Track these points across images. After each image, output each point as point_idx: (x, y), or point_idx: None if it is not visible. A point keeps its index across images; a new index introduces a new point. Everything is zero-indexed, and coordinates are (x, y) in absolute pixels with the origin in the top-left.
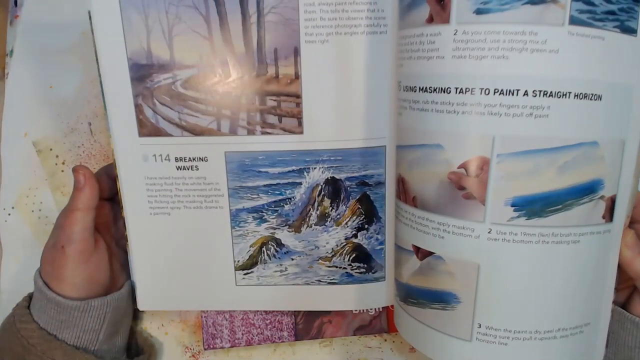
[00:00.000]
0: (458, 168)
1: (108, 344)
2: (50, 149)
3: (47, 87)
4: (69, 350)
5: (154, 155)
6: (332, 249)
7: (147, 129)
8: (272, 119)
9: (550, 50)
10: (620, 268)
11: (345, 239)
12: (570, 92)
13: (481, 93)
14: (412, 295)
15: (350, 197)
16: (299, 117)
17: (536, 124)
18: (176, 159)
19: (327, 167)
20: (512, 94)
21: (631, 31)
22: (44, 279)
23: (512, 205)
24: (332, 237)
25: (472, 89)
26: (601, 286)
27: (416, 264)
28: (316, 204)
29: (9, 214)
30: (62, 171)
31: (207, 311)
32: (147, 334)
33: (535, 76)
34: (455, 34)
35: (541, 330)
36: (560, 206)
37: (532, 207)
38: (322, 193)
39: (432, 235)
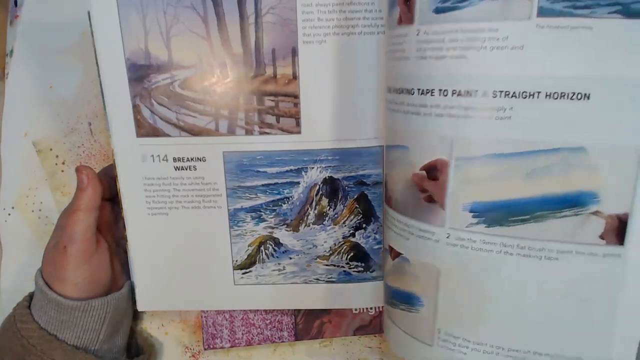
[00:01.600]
0: (420, 170)
1: (108, 344)
2: (50, 149)
3: (47, 87)
4: (69, 350)
5: (152, 155)
6: (330, 247)
7: (145, 129)
8: (270, 119)
9: (513, 47)
10: None
11: (343, 238)
12: (539, 92)
13: (440, 94)
14: (388, 295)
15: (348, 197)
16: (296, 117)
17: (497, 126)
18: (174, 159)
19: (325, 167)
20: (470, 95)
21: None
22: (45, 279)
23: (470, 211)
24: (330, 236)
25: (431, 90)
26: (604, 318)
27: (390, 264)
28: (314, 203)
29: (9, 214)
30: (62, 171)
31: (207, 311)
32: (147, 334)
33: (495, 75)
34: (417, 35)
35: (505, 347)
36: (527, 216)
37: (493, 214)
38: (320, 192)
39: (400, 236)
